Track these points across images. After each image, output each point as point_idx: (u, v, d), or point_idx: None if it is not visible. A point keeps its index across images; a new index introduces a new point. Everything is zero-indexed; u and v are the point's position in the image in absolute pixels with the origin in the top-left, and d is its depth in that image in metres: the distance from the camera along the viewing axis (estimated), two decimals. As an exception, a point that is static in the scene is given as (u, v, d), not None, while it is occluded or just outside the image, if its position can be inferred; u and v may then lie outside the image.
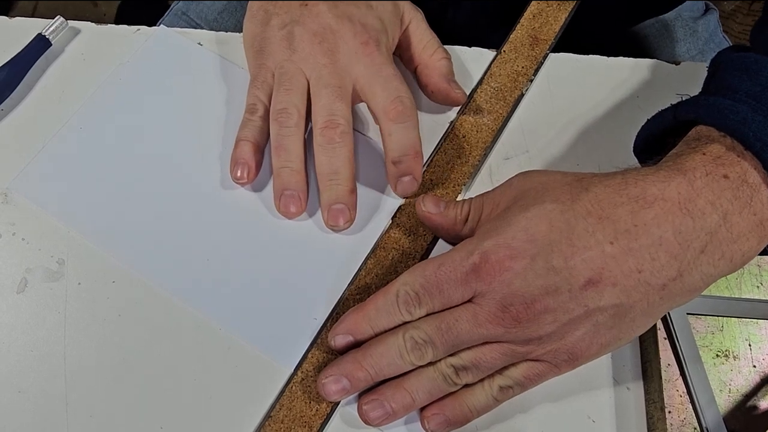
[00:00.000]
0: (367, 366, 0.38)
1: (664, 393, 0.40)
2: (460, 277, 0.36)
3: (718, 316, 0.43)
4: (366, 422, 0.39)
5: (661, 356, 0.41)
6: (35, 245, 0.44)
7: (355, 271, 0.44)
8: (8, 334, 0.41)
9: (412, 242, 0.45)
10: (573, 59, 0.53)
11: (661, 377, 0.40)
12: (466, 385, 0.38)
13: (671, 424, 0.40)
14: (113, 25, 0.52)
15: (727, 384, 0.41)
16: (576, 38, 0.55)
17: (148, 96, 0.49)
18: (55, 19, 0.48)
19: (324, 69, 0.44)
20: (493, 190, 0.42)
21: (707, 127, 0.37)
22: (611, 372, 0.42)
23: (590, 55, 0.53)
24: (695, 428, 0.40)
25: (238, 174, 0.44)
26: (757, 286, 0.44)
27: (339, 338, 0.39)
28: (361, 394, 0.39)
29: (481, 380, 0.38)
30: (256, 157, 0.45)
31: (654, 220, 0.35)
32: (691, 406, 0.40)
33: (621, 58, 0.53)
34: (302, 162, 0.44)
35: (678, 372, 0.41)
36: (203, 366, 0.41)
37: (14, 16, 0.52)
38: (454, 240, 0.44)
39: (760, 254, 0.37)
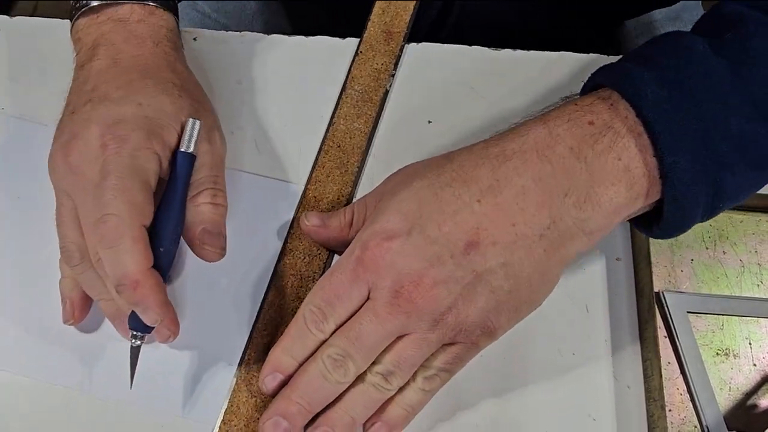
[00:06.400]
0: (297, 398, 0.36)
1: (664, 391, 0.40)
2: (349, 276, 0.36)
3: (718, 314, 0.43)
4: None
5: (661, 354, 0.41)
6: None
7: (258, 308, 0.42)
8: None
9: (307, 264, 0.44)
10: (544, 56, 0.52)
11: (661, 375, 0.40)
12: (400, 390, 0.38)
13: (671, 422, 0.40)
14: (113, 25, 0.52)
15: (727, 382, 0.41)
16: (570, 35, 0.55)
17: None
18: (187, 125, 0.40)
19: (76, 189, 0.38)
20: (373, 190, 0.42)
21: (602, 87, 0.38)
22: (612, 370, 0.42)
23: (561, 52, 0.52)
24: (695, 426, 0.40)
25: (65, 313, 0.41)
26: (757, 285, 0.44)
27: (268, 380, 0.38)
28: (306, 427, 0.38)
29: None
30: (77, 290, 0.41)
31: (514, 171, 0.36)
32: (691, 405, 0.40)
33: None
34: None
35: (678, 370, 0.41)
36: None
37: (14, 16, 0.52)
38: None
39: (656, 236, 0.38)
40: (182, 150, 0.39)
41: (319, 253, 0.44)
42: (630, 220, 0.40)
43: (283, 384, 0.38)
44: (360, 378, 0.37)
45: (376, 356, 0.36)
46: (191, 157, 0.39)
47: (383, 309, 0.35)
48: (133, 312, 0.37)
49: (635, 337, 0.43)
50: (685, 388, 0.40)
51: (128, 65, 0.41)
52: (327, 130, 0.48)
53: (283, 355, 0.37)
